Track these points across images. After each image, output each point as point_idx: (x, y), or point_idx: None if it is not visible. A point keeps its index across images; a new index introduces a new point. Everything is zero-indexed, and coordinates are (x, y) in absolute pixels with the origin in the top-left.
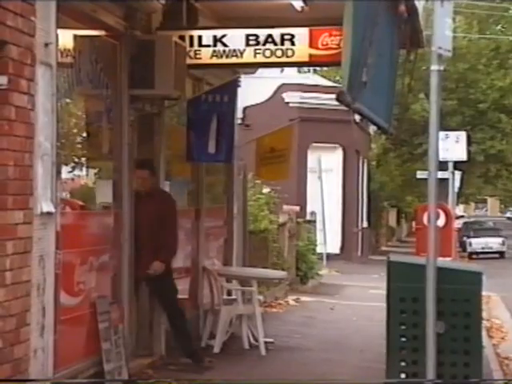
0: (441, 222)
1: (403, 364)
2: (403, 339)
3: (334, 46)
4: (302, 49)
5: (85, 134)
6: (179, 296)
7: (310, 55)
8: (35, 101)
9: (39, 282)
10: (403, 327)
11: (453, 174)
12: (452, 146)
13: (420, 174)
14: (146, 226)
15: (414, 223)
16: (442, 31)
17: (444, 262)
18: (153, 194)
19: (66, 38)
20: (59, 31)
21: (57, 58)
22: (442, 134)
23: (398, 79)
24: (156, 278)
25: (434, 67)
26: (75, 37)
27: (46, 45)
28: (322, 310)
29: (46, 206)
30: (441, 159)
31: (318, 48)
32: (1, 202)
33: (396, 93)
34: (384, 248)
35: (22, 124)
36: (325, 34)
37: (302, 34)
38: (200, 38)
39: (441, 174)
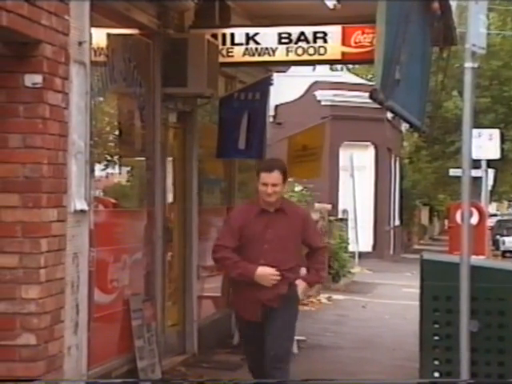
0: (474, 220)
1: (436, 363)
2: (436, 338)
3: (367, 44)
4: (334, 47)
5: (118, 133)
6: (213, 294)
7: (343, 53)
8: (69, 99)
9: (73, 280)
10: (436, 326)
11: (486, 172)
12: (485, 144)
13: (453, 172)
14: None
15: (446, 221)
16: (476, 28)
17: (478, 260)
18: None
19: (99, 37)
20: (93, 30)
21: (90, 57)
22: (475, 131)
23: (430, 77)
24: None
25: (468, 65)
26: (109, 35)
27: (80, 43)
28: (354, 309)
29: (80, 204)
30: (474, 157)
31: (350, 46)
32: (35, 199)
33: (429, 90)
34: (416, 246)
35: (56, 122)
36: (357, 32)
37: (334, 31)
38: (232, 36)
39: (474, 173)
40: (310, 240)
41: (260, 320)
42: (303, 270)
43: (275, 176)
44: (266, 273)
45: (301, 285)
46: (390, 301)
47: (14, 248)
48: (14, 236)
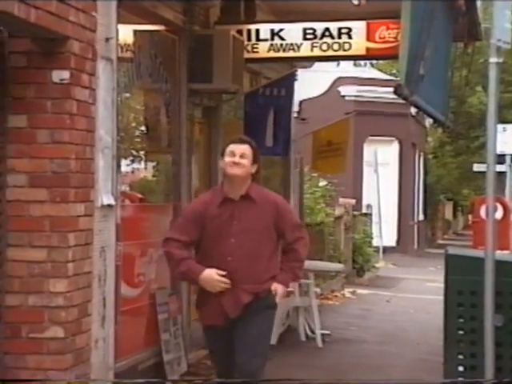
0: (498, 215)
1: (461, 357)
2: (461, 332)
3: (391, 40)
4: (359, 42)
5: (144, 128)
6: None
7: (367, 48)
8: (96, 95)
9: (100, 274)
10: (461, 320)
11: (510, 167)
12: (510, 139)
13: (477, 167)
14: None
15: (470, 216)
16: (502, 23)
17: (502, 255)
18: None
19: (126, 33)
20: (119, 26)
21: (117, 53)
22: (499, 126)
23: (455, 72)
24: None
25: (493, 60)
26: (135, 32)
27: (107, 40)
28: (379, 303)
29: (107, 199)
30: (498, 152)
31: (375, 41)
32: (63, 194)
33: (453, 86)
34: (440, 241)
35: (83, 118)
36: (382, 28)
37: (359, 27)
38: (257, 32)
39: (498, 168)
40: (285, 231)
41: (225, 326)
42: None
43: (245, 148)
44: (212, 278)
45: (279, 290)
46: (414, 295)
47: (42, 242)
48: (43, 230)
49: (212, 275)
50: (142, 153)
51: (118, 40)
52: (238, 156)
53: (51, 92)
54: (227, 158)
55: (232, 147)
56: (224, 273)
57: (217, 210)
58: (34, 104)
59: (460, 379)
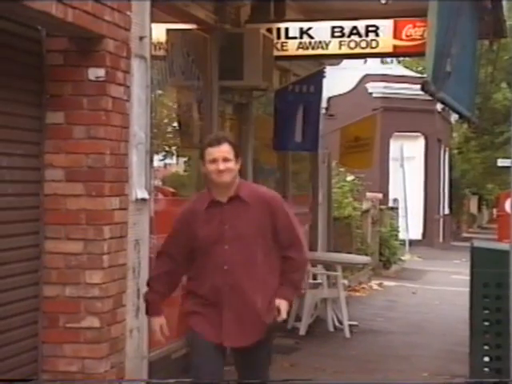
0: None
1: (486, 348)
2: (486, 323)
3: (418, 37)
4: (386, 40)
5: (176, 124)
6: None
7: (395, 46)
8: (130, 92)
9: (134, 266)
10: (486, 311)
11: None
12: None
13: (501, 162)
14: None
15: (494, 210)
16: None
17: None
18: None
19: (159, 32)
20: (153, 25)
21: (151, 51)
22: None
23: (480, 69)
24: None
25: None
26: (168, 30)
27: (141, 38)
28: (405, 295)
29: (141, 193)
30: None
31: (402, 39)
32: (98, 188)
33: (478, 82)
34: (465, 234)
35: (118, 114)
36: (409, 26)
37: (386, 25)
38: (287, 30)
39: None
40: (279, 233)
41: (225, 345)
42: None
43: (225, 149)
44: (153, 328)
45: (282, 307)
46: (440, 287)
47: (78, 235)
48: (79, 223)
49: (155, 326)
50: (174, 148)
51: (151, 38)
52: (221, 161)
53: (87, 89)
54: (210, 166)
55: (211, 152)
56: (160, 335)
57: (204, 216)
58: (71, 101)
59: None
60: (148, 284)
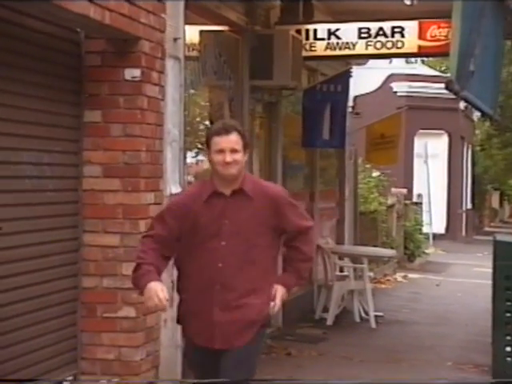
0: None
1: (508, 338)
2: (508, 314)
3: (442, 38)
4: (411, 40)
5: (208, 122)
6: None
7: (419, 46)
8: (165, 91)
9: None
10: (508, 303)
11: None
12: None
13: None
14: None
15: None
16: None
17: None
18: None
19: (192, 33)
20: (187, 27)
21: (184, 52)
22: None
23: (502, 68)
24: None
25: None
26: (201, 32)
27: (175, 40)
28: (429, 287)
29: (175, 188)
30: None
31: (426, 40)
32: (134, 184)
33: (500, 81)
34: (487, 228)
35: (153, 113)
36: (433, 27)
37: (411, 26)
38: (315, 31)
39: None
40: (289, 224)
41: (216, 347)
42: None
43: (233, 139)
44: (152, 294)
45: (279, 291)
46: (463, 279)
47: (115, 228)
48: (116, 217)
49: (157, 291)
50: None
51: (185, 40)
52: (229, 152)
53: (124, 89)
54: (216, 157)
55: (218, 142)
56: (164, 299)
57: (204, 206)
58: (108, 100)
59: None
60: (137, 260)
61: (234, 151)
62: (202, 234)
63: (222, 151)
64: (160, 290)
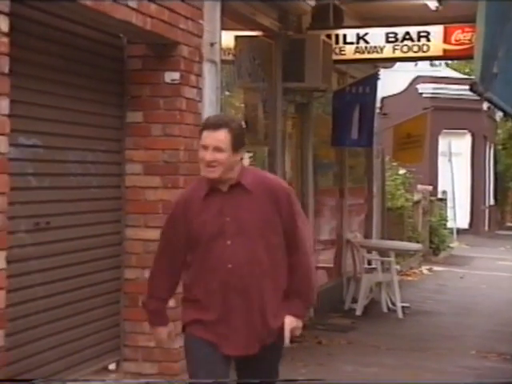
0: None
1: None
2: None
3: (467, 42)
4: (436, 44)
5: (243, 123)
6: (327, 265)
7: (444, 50)
8: (202, 93)
9: None
10: None
11: None
12: None
13: None
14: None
15: None
16: None
17: None
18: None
19: (228, 38)
20: (223, 32)
21: (221, 56)
22: None
23: None
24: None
25: None
26: (236, 37)
27: (212, 44)
28: (453, 279)
29: None
30: None
31: (451, 43)
32: (174, 181)
33: None
34: (509, 224)
35: (191, 114)
36: (458, 31)
37: (436, 31)
38: (345, 36)
39: None
40: (289, 230)
41: (227, 354)
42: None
43: (220, 136)
44: (157, 339)
45: (288, 323)
46: (486, 272)
47: (156, 223)
48: (157, 213)
49: (162, 335)
50: None
51: (221, 44)
52: (211, 150)
53: (164, 91)
54: (201, 152)
55: (204, 137)
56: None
57: (202, 205)
58: (149, 102)
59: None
60: (149, 291)
61: (217, 149)
62: (206, 235)
63: (205, 147)
64: (165, 338)
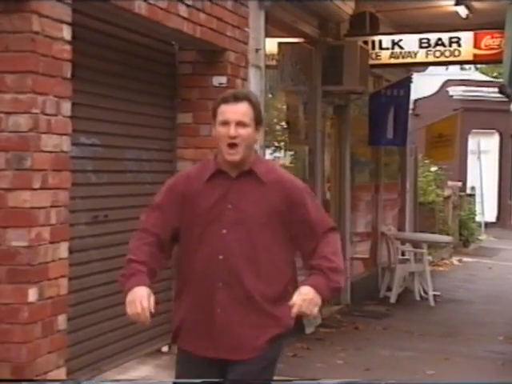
0: None
1: None
2: None
3: (496, 47)
4: (467, 49)
5: (285, 123)
6: (363, 256)
7: (475, 55)
8: None
9: None
10: None
11: None
12: None
13: None
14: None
15: None
16: None
17: None
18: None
19: (272, 45)
20: (267, 39)
21: (265, 61)
22: None
23: None
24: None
25: None
26: (279, 44)
27: (257, 50)
28: (482, 269)
29: None
30: None
31: (481, 48)
32: None
33: None
34: None
35: None
36: (487, 37)
37: (467, 37)
38: (380, 42)
39: None
40: (309, 222)
41: (216, 358)
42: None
43: (243, 110)
44: (136, 299)
45: (306, 294)
46: None
47: None
48: None
49: (140, 298)
50: (282, 144)
51: (265, 51)
52: (234, 125)
53: (212, 94)
54: (220, 129)
55: (224, 111)
56: (148, 309)
57: (204, 187)
58: (198, 104)
59: None
60: (129, 256)
61: (241, 124)
62: (201, 221)
63: (226, 122)
64: (146, 296)
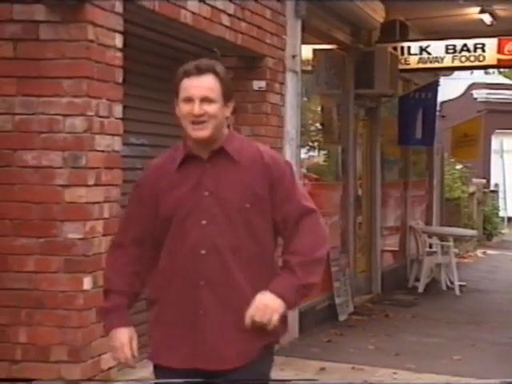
0: None
1: None
2: None
3: None
4: (491, 55)
5: (319, 124)
6: (393, 249)
7: (498, 60)
8: (285, 99)
9: None
10: None
11: None
12: None
13: None
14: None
15: None
16: None
17: None
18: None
19: (307, 51)
20: (303, 46)
21: (301, 66)
22: None
23: None
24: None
25: None
26: (314, 50)
27: (293, 56)
28: (505, 261)
29: None
30: None
31: (504, 53)
32: None
33: None
34: None
35: (275, 117)
36: (510, 43)
37: (491, 42)
38: (409, 48)
39: None
40: (287, 203)
41: (197, 369)
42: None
43: (208, 84)
44: (118, 346)
45: (262, 303)
46: None
47: None
48: None
49: (124, 342)
50: (316, 143)
51: (301, 56)
52: (198, 102)
53: (252, 97)
54: (183, 107)
55: (187, 86)
56: (132, 355)
57: (176, 176)
58: (239, 107)
59: None
60: (105, 285)
61: (206, 100)
62: (179, 212)
63: (189, 99)
64: (127, 344)
